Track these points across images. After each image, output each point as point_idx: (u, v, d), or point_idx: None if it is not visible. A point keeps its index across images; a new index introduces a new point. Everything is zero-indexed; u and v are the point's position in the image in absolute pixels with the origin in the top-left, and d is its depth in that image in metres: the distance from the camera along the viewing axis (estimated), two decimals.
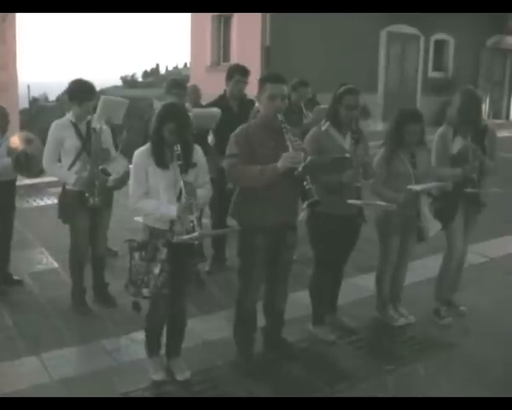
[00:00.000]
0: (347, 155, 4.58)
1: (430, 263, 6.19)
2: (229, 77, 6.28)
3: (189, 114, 5.54)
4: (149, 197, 4.08)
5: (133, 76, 79.06)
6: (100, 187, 5.26)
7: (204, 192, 4.20)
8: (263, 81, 4.36)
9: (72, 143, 5.24)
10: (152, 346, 4.42)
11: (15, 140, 5.67)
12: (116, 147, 5.66)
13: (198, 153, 4.22)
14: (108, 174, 5.31)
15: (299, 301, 5.29)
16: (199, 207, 4.16)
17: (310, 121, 6.31)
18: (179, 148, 3.98)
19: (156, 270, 3.96)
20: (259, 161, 4.18)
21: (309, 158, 4.09)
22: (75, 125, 5.27)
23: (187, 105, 6.84)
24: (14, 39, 12.56)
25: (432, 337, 5.15)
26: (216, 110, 5.92)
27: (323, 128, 4.84)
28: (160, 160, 4.05)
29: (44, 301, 5.76)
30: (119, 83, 70.33)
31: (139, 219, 4.26)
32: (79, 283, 5.57)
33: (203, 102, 6.74)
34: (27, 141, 5.70)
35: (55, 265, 6.69)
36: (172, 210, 3.98)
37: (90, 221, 5.41)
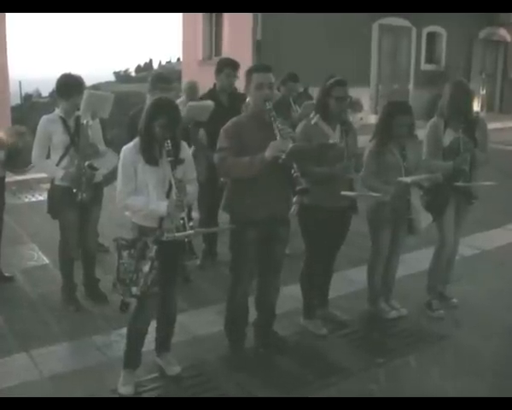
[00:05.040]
0: (331, 140, 4.57)
1: (422, 256, 6.19)
2: (219, 71, 6.25)
3: (182, 107, 5.54)
4: (138, 194, 4.01)
5: (126, 71, 78.76)
6: (87, 182, 5.23)
7: (192, 188, 4.16)
8: (249, 72, 4.36)
9: (60, 138, 5.21)
10: (131, 353, 4.20)
11: (6, 134, 5.64)
12: (106, 142, 5.62)
13: (185, 149, 4.19)
14: (95, 169, 5.27)
15: (290, 294, 5.28)
16: (188, 204, 4.12)
17: (298, 117, 6.30)
18: (170, 144, 3.94)
19: (146, 268, 3.88)
20: (250, 152, 4.16)
21: (292, 144, 4.07)
22: (64, 120, 5.24)
23: (181, 100, 6.82)
24: (4, 34, 12.45)
25: (423, 330, 5.15)
26: (209, 102, 5.89)
27: (313, 121, 4.82)
28: (150, 156, 3.99)
29: (35, 297, 5.73)
30: (113, 78, 70.02)
31: (129, 214, 4.22)
32: (70, 279, 5.54)
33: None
34: (18, 134, 5.68)
35: (46, 261, 6.66)
36: (163, 206, 3.93)
37: (79, 217, 5.38)
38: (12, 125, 6.29)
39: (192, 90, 8.12)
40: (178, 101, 7.10)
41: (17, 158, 5.59)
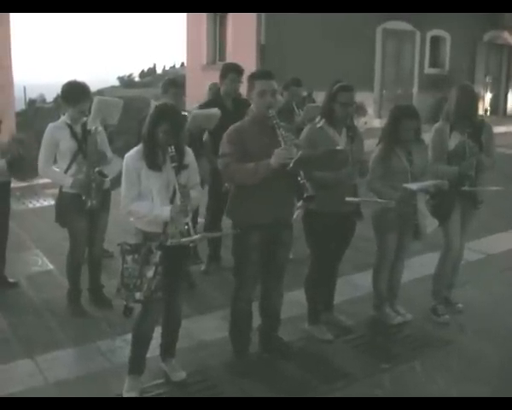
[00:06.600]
0: (338, 147, 4.57)
1: (427, 260, 6.19)
2: (224, 76, 6.25)
3: (186, 114, 5.54)
4: (142, 200, 4.02)
5: (130, 76, 78.92)
6: (96, 189, 5.23)
7: (195, 194, 4.18)
8: (251, 79, 4.35)
9: (67, 145, 5.21)
10: (136, 360, 4.20)
11: (8, 141, 5.64)
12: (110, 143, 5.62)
13: (189, 154, 4.19)
14: (105, 176, 5.27)
15: (294, 300, 5.27)
16: (192, 209, 4.12)
17: (301, 119, 6.31)
18: (173, 149, 3.95)
19: (150, 273, 3.89)
20: (253, 158, 4.15)
21: (300, 152, 4.06)
22: (70, 127, 5.23)
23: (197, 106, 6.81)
24: (8, 39, 12.47)
25: (429, 335, 5.13)
26: (215, 110, 5.88)
27: (318, 125, 4.82)
28: (153, 162, 4.00)
29: (39, 302, 5.73)
30: (117, 83, 70.15)
31: (133, 220, 4.22)
32: (76, 284, 5.53)
33: (197, 102, 6.71)
34: (20, 142, 5.67)
35: (51, 266, 6.67)
36: (166, 211, 3.95)
37: (87, 223, 5.38)
38: (12, 134, 6.23)
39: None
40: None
41: (19, 165, 5.57)
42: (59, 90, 5.46)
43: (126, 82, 70.84)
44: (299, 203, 4.65)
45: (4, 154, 5.57)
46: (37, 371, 4.51)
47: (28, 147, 5.57)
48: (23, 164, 5.53)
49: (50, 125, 5.30)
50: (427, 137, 5.22)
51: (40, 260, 6.90)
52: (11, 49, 12.60)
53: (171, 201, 4.02)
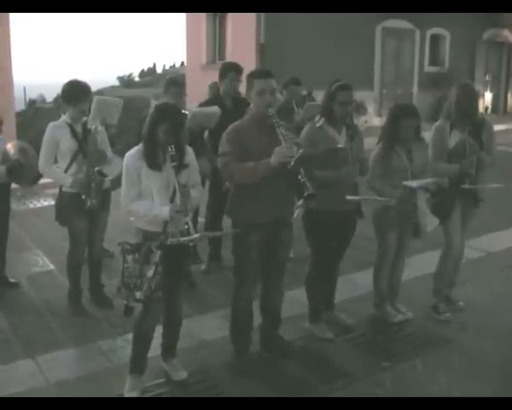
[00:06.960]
0: (339, 145, 4.56)
1: (427, 258, 6.19)
2: (223, 75, 6.25)
3: (186, 112, 5.54)
4: (142, 199, 4.02)
5: (130, 76, 78.94)
6: (96, 189, 5.23)
7: (196, 193, 4.17)
8: (250, 78, 4.34)
9: (67, 144, 5.21)
10: (137, 359, 4.21)
11: (9, 149, 5.64)
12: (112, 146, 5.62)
13: (189, 154, 4.19)
14: (105, 176, 5.27)
15: (295, 298, 5.27)
16: (192, 209, 4.12)
17: (300, 118, 6.30)
18: (173, 149, 3.95)
19: (150, 273, 3.89)
20: (253, 157, 4.15)
21: (300, 151, 4.06)
22: (71, 127, 5.24)
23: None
24: (8, 39, 12.48)
25: (430, 333, 5.12)
26: (214, 108, 5.88)
27: (318, 125, 4.81)
28: (153, 161, 4.00)
29: (40, 303, 5.73)
30: (117, 83, 70.18)
31: (133, 219, 4.22)
32: (77, 284, 5.53)
33: (197, 101, 6.71)
34: (21, 150, 5.67)
35: (51, 267, 6.66)
36: (165, 211, 3.94)
37: (87, 223, 5.38)
38: (16, 141, 6.23)
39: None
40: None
41: (19, 172, 5.57)
42: (59, 90, 5.45)
43: (126, 82, 70.89)
44: (300, 202, 4.64)
45: (5, 161, 5.57)
46: (38, 371, 4.51)
47: (30, 156, 5.57)
48: (23, 171, 5.54)
49: (51, 124, 5.30)
50: (428, 135, 5.22)
51: (41, 261, 6.90)
52: (11, 49, 12.61)
53: (172, 200, 4.02)
